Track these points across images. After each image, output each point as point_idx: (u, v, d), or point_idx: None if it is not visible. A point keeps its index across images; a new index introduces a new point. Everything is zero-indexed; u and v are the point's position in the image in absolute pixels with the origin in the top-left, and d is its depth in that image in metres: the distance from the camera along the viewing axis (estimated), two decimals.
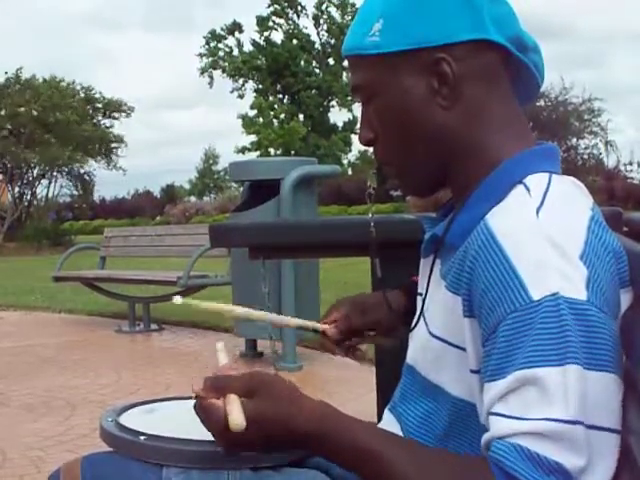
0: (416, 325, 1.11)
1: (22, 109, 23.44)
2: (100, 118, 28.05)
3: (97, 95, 27.73)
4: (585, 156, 30.59)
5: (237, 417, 0.89)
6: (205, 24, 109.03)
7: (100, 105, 27.81)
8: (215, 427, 0.93)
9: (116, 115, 28.05)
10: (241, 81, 46.45)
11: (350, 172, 39.86)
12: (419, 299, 1.13)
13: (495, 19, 1.01)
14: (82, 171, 27.79)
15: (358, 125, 1.12)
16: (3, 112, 23.43)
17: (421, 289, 1.12)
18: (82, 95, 27.17)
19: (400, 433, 1.09)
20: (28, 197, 25.52)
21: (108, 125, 28.09)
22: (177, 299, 1.12)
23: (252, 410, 0.91)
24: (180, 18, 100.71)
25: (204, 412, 0.94)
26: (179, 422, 1.28)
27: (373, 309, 1.32)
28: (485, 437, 0.86)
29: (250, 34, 59.67)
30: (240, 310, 1.27)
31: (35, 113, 23.46)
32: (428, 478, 0.86)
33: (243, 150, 41.65)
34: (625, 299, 0.93)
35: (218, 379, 0.95)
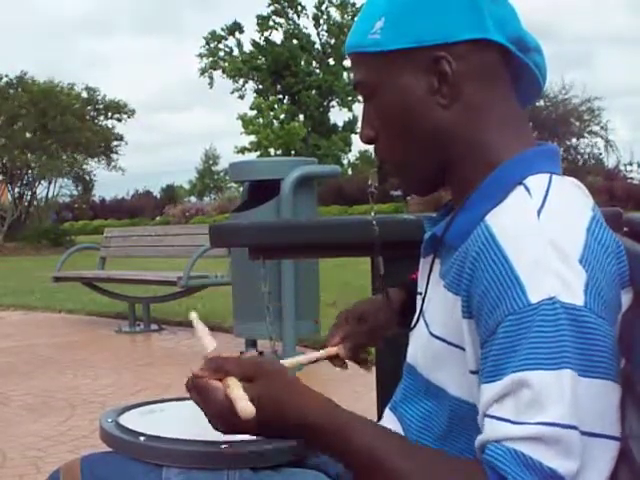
0: (416, 325, 1.11)
1: (23, 111, 23.44)
2: (101, 119, 28.09)
3: (99, 96, 27.78)
4: (585, 156, 30.60)
5: (246, 404, 0.88)
6: (202, 25, 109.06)
7: (101, 106, 27.84)
8: (213, 408, 0.91)
9: (118, 117, 28.09)
10: (241, 81, 46.49)
11: (350, 172, 39.86)
12: (418, 298, 1.13)
13: (496, 19, 1.01)
14: (82, 172, 27.81)
15: (359, 124, 1.13)
16: (2, 117, 23.42)
17: (421, 288, 1.12)
18: (85, 95, 27.20)
19: (401, 432, 1.09)
20: (28, 197, 25.52)
21: (110, 126, 28.13)
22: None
23: (252, 394, 0.90)
24: (176, 20, 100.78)
25: (201, 391, 0.92)
26: (179, 423, 1.28)
27: (372, 317, 1.34)
28: (480, 439, 0.86)
29: (249, 34, 59.71)
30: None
31: (31, 115, 23.40)
32: (423, 476, 0.86)
33: (243, 150, 41.63)
34: (626, 300, 0.92)
35: (217, 360, 0.93)
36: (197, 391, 0.93)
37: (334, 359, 1.32)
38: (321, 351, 1.32)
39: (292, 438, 0.96)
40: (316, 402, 0.92)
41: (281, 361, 1.16)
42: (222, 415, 0.91)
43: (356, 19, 1.09)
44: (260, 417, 0.89)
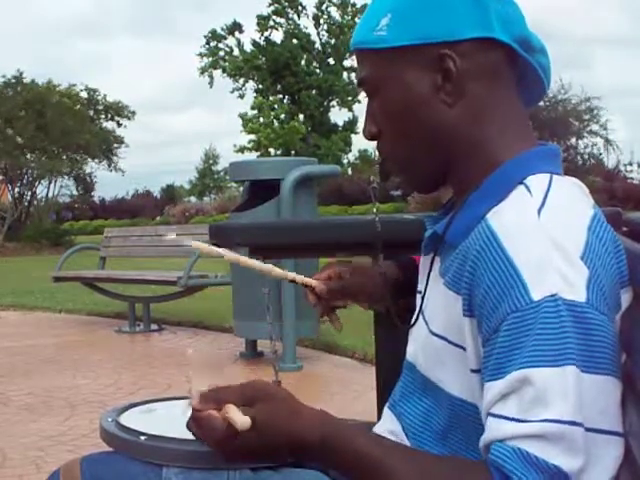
0: (415, 322, 1.11)
1: (22, 113, 23.41)
2: (102, 121, 28.06)
3: (100, 97, 27.77)
4: (585, 156, 30.58)
5: (240, 417, 0.87)
6: (202, 25, 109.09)
7: (101, 107, 27.82)
8: (214, 436, 0.91)
9: (118, 119, 28.06)
10: (241, 81, 46.47)
11: (350, 172, 39.83)
12: (418, 297, 1.13)
13: (501, 18, 1.01)
14: (82, 172, 27.79)
15: (362, 120, 1.13)
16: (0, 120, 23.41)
17: (420, 287, 1.12)
18: (85, 96, 27.18)
19: (400, 431, 1.09)
20: (28, 197, 25.46)
21: (110, 128, 28.10)
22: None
23: (251, 418, 0.90)
24: (176, 20, 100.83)
25: (201, 424, 0.91)
26: (179, 422, 1.27)
27: (364, 276, 1.35)
28: (484, 438, 0.86)
29: (249, 34, 59.78)
30: (234, 255, 1.26)
31: (28, 117, 23.34)
32: (425, 477, 0.86)
33: (243, 150, 41.61)
34: (625, 299, 0.93)
35: (215, 392, 0.93)
36: (196, 424, 0.92)
37: (310, 290, 1.31)
38: (300, 276, 1.31)
39: (295, 456, 0.94)
40: (316, 418, 0.91)
41: (259, 264, 1.10)
42: (223, 441, 0.90)
43: (362, 15, 1.09)
44: (260, 441, 0.89)
